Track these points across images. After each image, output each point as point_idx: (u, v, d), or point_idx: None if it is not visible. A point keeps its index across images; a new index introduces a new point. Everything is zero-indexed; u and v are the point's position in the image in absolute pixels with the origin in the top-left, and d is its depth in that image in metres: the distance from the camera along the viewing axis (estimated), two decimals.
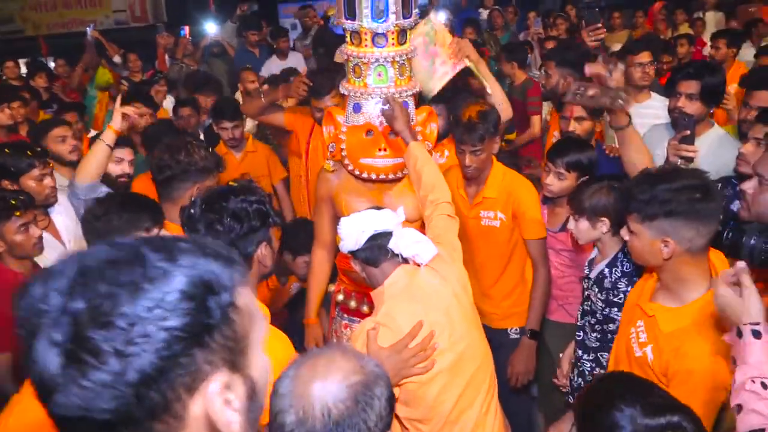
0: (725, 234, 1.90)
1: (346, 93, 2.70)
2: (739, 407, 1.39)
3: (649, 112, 3.38)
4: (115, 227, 2.15)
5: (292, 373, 1.30)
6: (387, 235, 2.07)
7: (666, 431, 1.37)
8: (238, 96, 5.77)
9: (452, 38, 3.07)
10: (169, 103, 5.67)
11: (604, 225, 2.50)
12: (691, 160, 2.49)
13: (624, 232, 1.98)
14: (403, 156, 2.58)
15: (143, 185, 3.23)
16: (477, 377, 2.09)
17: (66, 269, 0.77)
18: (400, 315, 2.02)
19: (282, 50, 6.95)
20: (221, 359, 0.80)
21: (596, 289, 2.49)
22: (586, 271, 2.65)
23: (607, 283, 2.45)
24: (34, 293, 0.77)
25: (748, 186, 2.07)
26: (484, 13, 9.02)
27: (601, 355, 2.45)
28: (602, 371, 2.42)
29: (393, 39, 2.57)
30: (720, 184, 2.35)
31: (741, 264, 1.53)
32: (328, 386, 1.27)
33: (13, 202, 2.54)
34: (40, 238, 2.61)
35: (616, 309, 2.38)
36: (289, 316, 3.50)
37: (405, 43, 2.63)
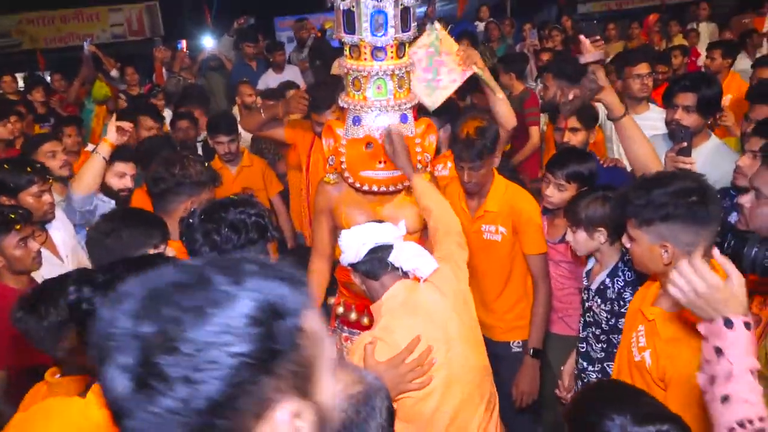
0: (726, 243, 1.89)
1: (345, 106, 2.70)
2: (727, 398, 1.37)
3: (647, 124, 3.39)
4: (125, 244, 2.13)
5: None
6: (387, 249, 2.06)
7: None
8: (236, 110, 5.78)
9: (458, 46, 3.08)
10: (166, 116, 5.68)
11: (601, 235, 2.50)
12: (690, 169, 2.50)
13: (625, 240, 1.98)
14: None
15: (139, 198, 3.24)
16: (475, 393, 2.08)
17: (134, 292, 0.76)
18: (398, 329, 2.01)
19: (278, 64, 6.97)
20: (289, 386, 0.77)
21: (599, 300, 2.49)
22: (584, 282, 2.64)
23: (610, 294, 2.45)
24: (104, 316, 0.76)
25: (745, 200, 2.07)
26: (481, 26, 9.08)
27: (607, 366, 2.44)
28: None
29: (392, 52, 2.59)
30: (718, 195, 2.35)
31: (718, 254, 1.53)
32: None
33: (13, 216, 2.54)
34: (39, 252, 2.60)
35: (623, 320, 2.37)
36: None
37: (404, 56, 2.65)
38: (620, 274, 2.46)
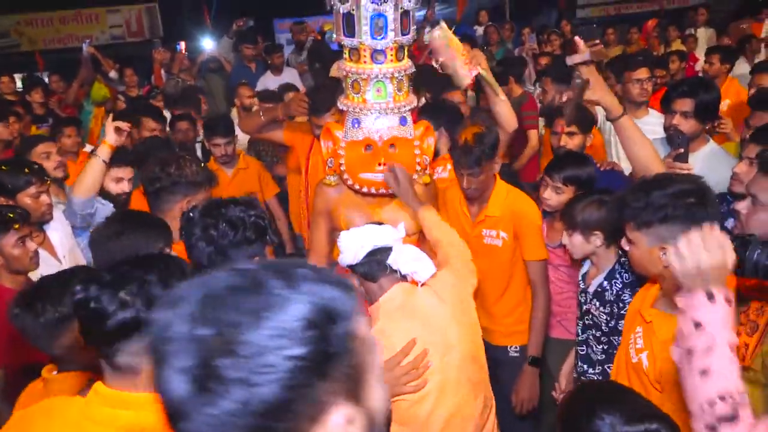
0: None
1: (344, 109, 2.71)
2: (706, 371, 1.37)
3: (647, 129, 3.39)
4: (130, 246, 2.12)
5: None
6: (386, 251, 2.06)
7: None
8: (235, 112, 5.78)
9: (464, 46, 3.08)
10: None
11: (597, 238, 2.51)
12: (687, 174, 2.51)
13: (624, 243, 1.98)
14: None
15: (137, 200, 3.25)
16: (470, 398, 2.08)
17: (190, 295, 0.77)
18: (394, 332, 2.02)
19: (276, 66, 6.98)
20: (342, 390, 0.78)
21: (597, 303, 2.49)
22: (581, 285, 2.65)
23: (608, 296, 2.45)
24: (160, 319, 0.77)
25: (742, 206, 2.07)
26: (480, 30, 9.10)
27: (608, 368, 2.43)
28: None
29: (391, 55, 2.59)
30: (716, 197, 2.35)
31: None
32: None
33: (11, 215, 2.54)
34: (36, 252, 2.61)
35: (623, 321, 2.37)
36: None
37: (403, 59, 2.66)
38: (617, 276, 2.47)
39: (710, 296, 1.38)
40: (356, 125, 2.67)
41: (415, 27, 2.69)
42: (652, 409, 1.49)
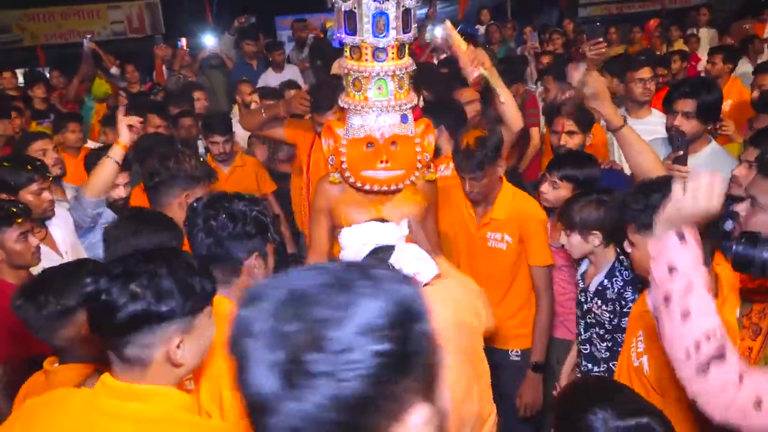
0: (735, 246, 1.87)
1: (345, 106, 2.71)
2: (687, 313, 1.38)
3: (649, 129, 3.40)
4: (147, 245, 2.13)
5: None
6: (389, 249, 2.06)
7: None
8: (236, 109, 5.78)
9: (467, 46, 3.08)
10: None
11: (596, 238, 2.51)
12: (684, 179, 2.50)
13: (626, 245, 1.98)
14: (404, 167, 2.59)
15: (137, 196, 3.25)
16: (468, 401, 2.08)
17: (273, 293, 0.78)
18: None
19: (277, 63, 6.98)
20: (420, 389, 0.79)
21: (599, 302, 2.49)
22: (580, 285, 2.65)
23: (610, 294, 2.46)
24: (243, 315, 0.77)
25: (741, 208, 2.07)
26: (481, 29, 9.09)
27: (613, 365, 2.43)
28: None
29: (393, 53, 2.59)
30: None
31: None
32: None
33: (14, 210, 2.55)
34: (38, 248, 2.62)
35: (626, 318, 2.37)
36: None
37: (404, 57, 2.66)
38: (618, 274, 2.47)
39: (681, 237, 1.40)
40: (358, 123, 2.67)
41: (416, 25, 2.70)
42: (644, 404, 1.51)
